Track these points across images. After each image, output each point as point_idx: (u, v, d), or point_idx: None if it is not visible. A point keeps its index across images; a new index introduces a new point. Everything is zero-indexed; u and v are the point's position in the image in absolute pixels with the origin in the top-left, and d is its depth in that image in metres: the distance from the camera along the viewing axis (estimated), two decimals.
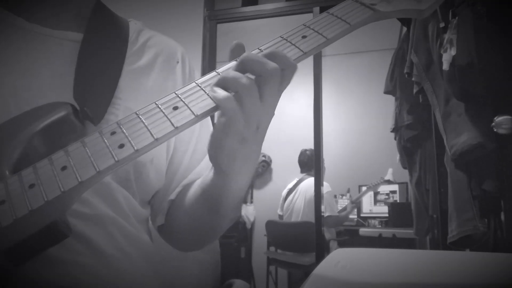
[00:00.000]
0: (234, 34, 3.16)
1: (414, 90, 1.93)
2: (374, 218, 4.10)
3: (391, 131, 2.52)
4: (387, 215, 3.89)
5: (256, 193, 4.45)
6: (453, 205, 1.53)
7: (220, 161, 0.51)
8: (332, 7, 0.54)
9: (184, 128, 0.46)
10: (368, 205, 4.16)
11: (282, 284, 3.89)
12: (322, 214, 2.57)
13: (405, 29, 2.28)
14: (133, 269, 0.61)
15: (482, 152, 1.42)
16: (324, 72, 2.78)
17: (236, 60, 0.48)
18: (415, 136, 2.28)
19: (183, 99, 0.47)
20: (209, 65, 2.86)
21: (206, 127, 0.74)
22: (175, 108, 0.47)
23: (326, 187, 3.04)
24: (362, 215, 4.14)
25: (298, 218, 3.47)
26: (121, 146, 0.44)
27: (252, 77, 0.47)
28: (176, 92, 0.48)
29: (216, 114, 0.49)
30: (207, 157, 0.73)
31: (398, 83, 2.38)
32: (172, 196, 0.69)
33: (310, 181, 3.40)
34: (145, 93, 0.65)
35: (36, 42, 0.62)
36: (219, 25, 2.95)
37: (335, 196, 3.97)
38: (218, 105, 0.46)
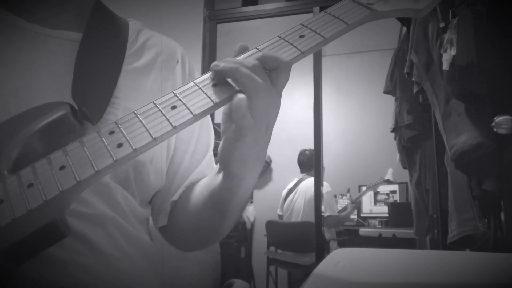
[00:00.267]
0: (234, 34, 3.15)
1: (414, 90, 1.93)
2: (374, 218, 4.09)
3: (391, 131, 2.52)
4: (387, 215, 3.89)
5: (256, 193, 4.45)
6: (453, 205, 1.53)
7: (233, 166, 0.51)
8: (329, 7, 0.54)
9: (182, 127, 0.46)
10: (368, 205, 4.16)
11: (282, 284, 3.89)
12: (322, 214, 2.57)
13: (405, 29, 2.28)
14: (133, 269, 0.61)
15: (482, 152, 1.42)
16: (324, 72, 2.78)
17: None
18: (415, 136, 2.27)
19: (181, 99, 0.47)
20: (209, 65, 2.85)
21: (205, 127, 0.74)
22: (173, 107, 0.47)
23: (326, 187, 3.04)
24: (362, 215, 4.14)
25: (298, 218, 3.47)
26: (120, 145, 0.44)
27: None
28: (174, 91, 0.48)
29: (221, 117, 0.49)
30: (207, 156, 0.74)
31: (398, 83, 2.38)
32: (175, 197, 0.69)
33: (310, 181, 3.40)
34: (145, 93, 0.65)
35: (36, 42, 0.62)
36: (219, 25, 2.95)
37: (335, 196, 3.96)
38: (230, 107, 0.47)
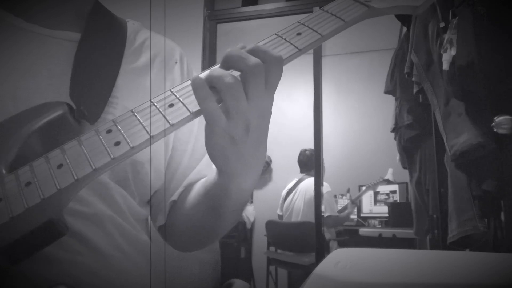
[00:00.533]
0: (234, 34, 3.16)
1: (414, 90, 1.93)
2: (374, 218, 4.09)
3: (391, 131, 2.52)
4: (387, 215, 3.89)
5: (256, 193, 4.45)
6: (453, 205, 1.53)
7: (215, 160, 0.52)
8: (326, 4, 0.54)
9: (179, 125, 0.46)
10: (368, 205, 4.16)
11: (282, 284, 3.89)
12: (322, 214, 2.57)
13: (405, 29, 2.28)
14: (132, 269, 0.61)
15: (482, 152, 1.42)
16: (324, 72, 2.78)
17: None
18: (415, 136, 2.27)
19: (178, 97, 0.47)
20: (209, 65, 2.86)
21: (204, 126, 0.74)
22: (171, 105, 0.47)
23: (326, 187, 3.03)
24: (362, 215, 4.14)
25: (298, 218, 3.47)
26: (117, 143, 0.44)
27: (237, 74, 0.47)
28: (171, 89, 0.48)
29: None
30: (206, 156, 0.74)
31: (398, 83, 2.38)
32: (174, 197, 0.69)
33: (309, 181, 3.40)
34: (143, 93, 0.65)
35: (35, 42, 0.62)
36: (219, 25, 2.96)
37: (335, 196, 3.96)
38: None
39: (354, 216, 4.07)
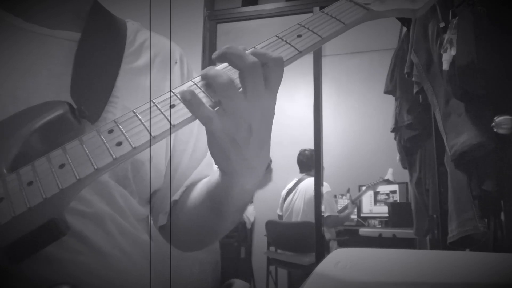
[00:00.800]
0: (234, 34, 3.16)
1: (414, 90, 1.93)
2: (374, 218, 4.09)
3: (391, 131, 2.52)
4: (387, 215, 3.89)
5: (256, 193, 4.44)
6: (453, 205, 1.53)
7: (217, 161, 0.52)
8: (326, 7, 0.54)
9: (181, 125, 0.46)
10: (368, 205, 4.16)
11: (282, 284, 3.89)
12: (322, 214, 2.57)
13: (405, 29, 2.28)
14: (132, 268, 0.61)
15: (482, 152, 1.42)
16: (324, 72, 2.78)
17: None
18: (415, 136, 2.28)
19: (179, 97, 0.47)
20: (209, 65, 2.85)
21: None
22: (172, 106, 0.47)
23: (325, 187, 3.03)
24: (362, 215, 4.14)
25: (297, 218, 3.47)
26: (119, 143, 0.45)
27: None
28: (173, 90, 0.48)
29: None
30: (208, 156, 0.74)
31: (398, 83, 2.38)
32: (176, 196, 0.69)
33: (309, 181, 3.40)
34: (143, 93, 0.65)
35: (35, 42, 0.62)
36: (219, 25, 2.96)
37: (335, 196, 3.96)
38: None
39: (354, 216, 4.07)
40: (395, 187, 3.98)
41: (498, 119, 1.35)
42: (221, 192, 0.57)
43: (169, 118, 0.46)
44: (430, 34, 1.70)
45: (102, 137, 0.45)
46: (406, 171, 2.50)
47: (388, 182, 3.76)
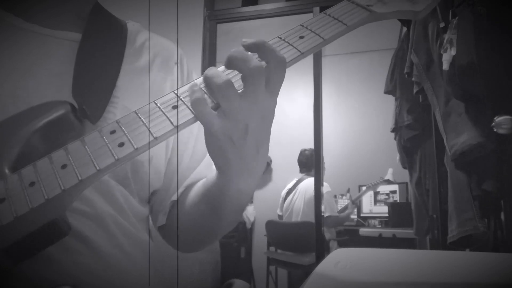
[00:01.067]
0: (234, 34, 3.15)
1: (414, 90, 1.93)
2: (374, 218, 4.09)
3: (391, 131, 2.52)
4: (387, 215, 3.89)
5: (256, 193, 4.45)
6: (453, 205, 1.53)
7: (215, 161, 0.52)
8: (328, 8, 0.54)
9: (183, 127, 0.46)
10: (368, 205, 4.16)
11: (282, 284, 3.89)
12: (322, 214, 2.57)
13: (405, 29, 2.28)
14: (132, 269, 0.61)
15: (482, 152, 1.42)
16: (324, 72, 2.78)
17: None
18: (415, 136, 2.28)
19: (182, 99, 0.48)
20: (209, 65, 2.86)
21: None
22: (174, 107, 0.47)
23: (325, 187, 3.03)
24: (362, 215, 4.14)
25: (298, 218, 3.47)
26: (121, 144, 0.45)
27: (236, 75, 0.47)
28: (175, 91, 0.49)
29: None
30: (207, 157, 0.74)
31: (398, 83, 2.38)
32: (175, 197, 0.69)
33: (309, 181, 3.39)
34: (143, 93, 0.65)
35: (35, 41, 0.62)
36: (219, 25, 2.95)
37: (335, 196, 3.96)
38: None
39: (354, 216, 4.07)
40: (395, 187, 3.98)
41: (498, 119, 1.35)
42: (217, 191, 0.57)
43: (171, 119, 0.46)
44: (430, 34, 1.70)
45: (104, 137, 0.45)
46: (406, 171, 2.50)
47: (388, 182, 3.76)
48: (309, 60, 2.74)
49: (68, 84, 0.59)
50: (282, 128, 3.83)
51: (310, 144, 2.79)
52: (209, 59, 2.87)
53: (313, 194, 2.67)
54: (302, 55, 0.50)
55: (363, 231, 3.80)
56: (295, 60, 0.50)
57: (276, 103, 0.49)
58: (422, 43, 1.80)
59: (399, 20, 2.22)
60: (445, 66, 1.47)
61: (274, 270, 3.80)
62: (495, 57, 1.38)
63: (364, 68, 4.23)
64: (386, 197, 4.08)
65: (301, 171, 3.71)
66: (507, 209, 1.43)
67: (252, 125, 0.47)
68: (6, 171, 0.46)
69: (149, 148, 0.45)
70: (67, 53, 0.62)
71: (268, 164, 4.45)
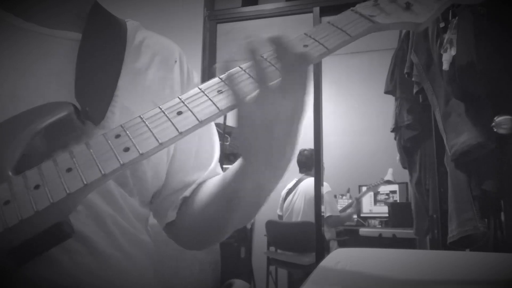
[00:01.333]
0: (234, 34, 3.15)
1: (414, 90, 1.93)
2: (374, 218, 4.09)
3: (391, 131, 2.51)
4: (387, 215, 3.89)
5: None
6: (453, 205, 1.53)
7: (242, 146, 0.52)
8: (332, 17, 0.55)
9: (188, 133, 0.47)
10: (368, 205, 4.16)
11: (282, 284, 3.89)
12: (322, 214, 2.57)
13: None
14: (132, 269, 0.61)
15: (482, 152, 1.42)
16: (324, 72, 2.78)
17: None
18: (415, 136, 2.28)
19: (187, 105, 0.48)
20: (209, 65, 2.86)
21: (206, 126, 0.74)
22: (179, 113, 0.47)
23: (326, 187, 3.03)
24: (362, 215, 4.14)
25: (298, 218, 3.47)
26: (126, 149, 0.45)
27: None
28: (180, 97, 0.49)
29: None
30: (215, 157, 0.74)
31: (398, 83, 2.38)
32: (187, 193, 0.69)
33: (309, 181, 3.39)
34: (142, 92, 0.65)
35: (35, 41, 0.62)
36: (219, 25, 2.95)
37: (335, 196, 3.96)
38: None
39: (354, 216, 4.07)
40: (395, 187, 3.98)
41: (498, 119, 1.35)
42: (237, 180, 0.57)
43: (176, 125, 0.46)
44: (430, 34, 1.70)
45: (109, 142, 0.45)
46: (406, 171, 2.50)
47: (388, 182, 3.77)
48: None
49: (68, 83, 0.59)
50: None
51: (310, 144, 2.79)
52: (209, 59, 2.87)
53: (313, 194, 2.67)
54: None
55: (363, 231, 3.80)
56: None
57: (306, 99, 0.49)
58: (422, 43, 1.80)
59: None
60: (445, 66, 1.47)
61: (274, 270, 3.80)
62: (495, 57, 1.38)
63: (364, 68, 4.23)
64: (386, 197, 4.09)
65: (300, 171, 3.71)
66: (507, 209, 1.43)
67: (283, 115, 0.48)
68: (10, 173, 0.46)
69: (160, 149, 0.46)
70: (67, 52, 0.62)
71: None
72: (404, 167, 2.52)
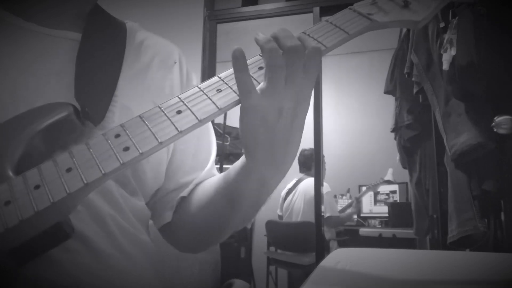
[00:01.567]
0: (234, 34, 3.15)
1: (414, 90, 1.93)
2: (374, 218, 4.09)
3: (391, 131, 2.51)
4: (387, 215, 3.89)
5: None
6: (453, 205, 1.53)
7: (245, 140, 0.52)
8: (330, 16, 0.55)
9: (187, 132, 0.47)
10: (368, 205, 4.16)
11: (282, 284, 3.89)
12: (322, 214, 2.57)
13: (405, 29, 2.28)
14: (132, 269, 0.61)
15: (482, 152, 1.42)
16: (324, 72, 2.78)
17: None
18: (415, 136, 2.28)
19: (186, 104, 0.48)
20: (209, 65, 2.86)
21: (205, 127, 0.74)
22: (179, 112, 0.47)
23: (325, 188, 3.03)
24: (362, 215, 4.14)
25: (298, 218, 3.47)
26: (126, 149, 0.45)
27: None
28: (179, 96, 0.49)
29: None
30: (212, 157, 0.74)
31: (398, 83, 2.38)
32: (185, 193, 0.69)
33: (309, 181, 3.39)
34: (142, 92, 0.65)
35: (35, 40, 0.62)
36: (219, 25, 2.96)
37: (335, 196, 3.96)
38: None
39: (354, 216, 4.07)
40: (395, 187, 3.98)
41: (498, 119, 1.35)
42: (239, 178, 0.57)
43: (176, 124, 0.46)
44: (430, 34, 1.71)
45: (109, 141, 0.45)
46: (406, 171, 2.50)
47: (388, 182, 3.76)
48: None
49: (68, 83, 0.59)
50: None
51: (310, 144, 2.79)
52: (209, 59, 2.87)
53: (313, 194, 2.67)
54: None
55: (363, 231, 3.80)
56: None
57: (311, 93, 0.50)
58: (422, 43, 1.80)
59: None
60: (445, 66, 1.47)
61: (274, 270, 3.80)
62: (495, 57, 1.38)
63: (364, 68, 4.23)
64: (386, 197, 4.09)
65: (301, 171, 3.71)
66: (507, 209, 1.43)
67: (287, 108, 0.49)
68: (10, 173, 0.46)
69: (160, 148, 0.46)
70: (67, 51, 0.63)
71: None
72: (404, 167, 2.52)
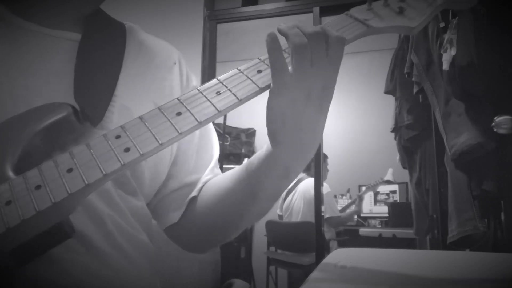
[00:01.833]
0: (234, 34, 3.16)
1: (414, 90, 1.93)
2: (374, 218, 4.09)
3: (391, 131, 2.52)
4: (387, 215, 3.89)
5: None
6: (453, 205, 1.53)
7: (272, 127, 0.52)
8: (327, 22, 0.56)
9: (187, 133, 0.47)
10: (368, 205, 4.16)
11: (282, 284, 3.89)
12: (322, 214, 2.57)
13: None
14: (131, 269, 0.61)
15: (482, 152, 1.42)
16: None
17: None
18: (415, 136, 2.28)
19: (186, 105, 0.49)
20: (209, 65, 2.86)
21: (205, 126, 0.74)
22: (179, 113, 0.48)
23: (325, 188, 3.03)
24: (362, 215, 4.14)
25: (297, 218, 3.47)
26: (127, 150, 0.45)
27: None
28: (179, 98, 0.49)
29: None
30: (215, 157, 0.74)
31: (398, 83, 2.38)
32: (194, 193, 0.69)
33: (309, 181, 3.39)
34: (141, 92, 0.65)
35: (35, 40, 0.62)
36: (219, 25, 2.96)
37: (335, 196, 3.96)
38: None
39: (355, 216, 4.07)
40: (395, 187, 3.98)
41: (498, 119, 1.35)
42: (263, 167, 0.56)
43: (176, 125, 0.47)
44: (430, 34, 1.71)
45: (110, 142, 0.46)
46: (406, 171, 2.50)
47: (388, 182, 3.77)
48: None
49: (67, 83, 0.59)
50: None
51: None
52: (209, 59, 2.87)
53: (313, 194, 2.67)
54: None
55: (363, 231, 3.80)
56: None
57: (335, 80, 0.51)
58: (422, 43, 1.80)
59: None
60: (445, 66, 1.47)
61: (274, 270, 3.80)
62: (495, 57, 1.38)
63: (364, 68, 4.23)
64: (386, 197, 4.09)
65: None
66: (507, 209, 1.43)
67: (315, 91, 0.50)
68: (10, 173, 0.46)
69: (160, 149, 0.46)
70: (67, 52, 0.63)
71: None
72: (404, 167, 2.52)
